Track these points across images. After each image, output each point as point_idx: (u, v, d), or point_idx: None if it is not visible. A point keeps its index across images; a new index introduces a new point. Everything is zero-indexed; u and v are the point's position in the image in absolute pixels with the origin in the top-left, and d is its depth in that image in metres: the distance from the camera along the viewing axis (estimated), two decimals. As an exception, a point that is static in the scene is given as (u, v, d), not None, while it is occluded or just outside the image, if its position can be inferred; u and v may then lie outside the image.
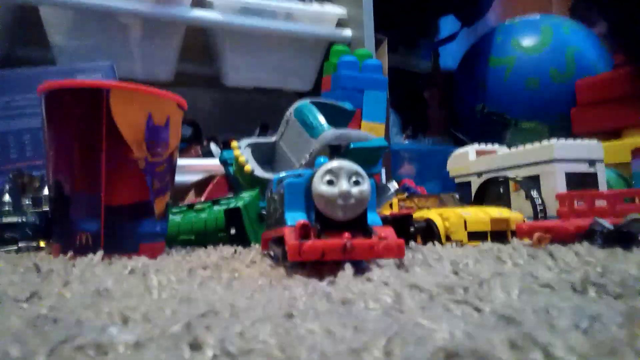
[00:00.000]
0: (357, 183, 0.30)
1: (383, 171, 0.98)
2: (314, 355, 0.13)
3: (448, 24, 1.68)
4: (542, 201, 0.60)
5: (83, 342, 0.15)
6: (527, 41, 1.40)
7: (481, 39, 1.53)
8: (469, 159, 0.80)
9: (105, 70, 0.72)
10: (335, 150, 0.64)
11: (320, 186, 0.30)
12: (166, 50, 1.06)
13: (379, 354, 0.13)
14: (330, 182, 0.30)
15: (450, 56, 1.69)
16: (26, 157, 0.66)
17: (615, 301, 0.21)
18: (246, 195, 0.55)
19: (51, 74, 0.68)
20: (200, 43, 1.16)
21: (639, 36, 1.14)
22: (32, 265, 0.34)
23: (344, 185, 0.30)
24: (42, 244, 0.52)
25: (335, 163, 0.31)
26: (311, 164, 0.63)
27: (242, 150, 0.68)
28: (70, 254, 0.40)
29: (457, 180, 0.83)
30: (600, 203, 0.51)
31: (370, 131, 0.80)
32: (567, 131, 1.29)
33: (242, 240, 0.52)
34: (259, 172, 0.65)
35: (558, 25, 1.42)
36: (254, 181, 0.65)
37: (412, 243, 0.49)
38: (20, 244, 0.51)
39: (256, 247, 0.48)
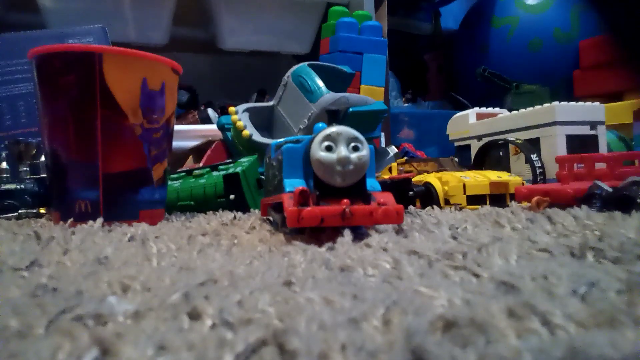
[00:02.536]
0: (356, 149, 0.30)
1: (382, 135, 0.97)
2: (312, 325, 0.13)
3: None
4: (542, 164, 0.59)
5: (82, 312, 0.15)
6: (532, -1, 1.36)
7: (484, -3, 1.49)
8: (469, 122, 0.79)
9: (97, 34, 0.70)
10: (333, 114, 0.63)
11: (318, 152, 0.30)
12: (159, 12, 1.04)
13: (378, 323, 0.13)
14: (328, 148, 0.30)
15: (451, 17, 1.65)
16: (21, 124, 0.65)
17: (613, 266, 0.21)
18: (245, 161, 0.55)
19: (42, 38, 0.66)
20: (195, 5, 1.13)
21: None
22: (32, 233, 0.34)
23: (342, 151, 0.29)
24: (42, 210, 0.52)
25: (333, 129, 0.30)
26: (310, 129, 0.62)
27: (239, 115, 0.68)
28: (70, 221, 0.40)
29: (456, 144, 0.83)
30: (600, 166, 0.51)
31: (370, 95, 0.79)
32: (568, 95, 1.27)
33: (242, 205, 0.52)
34: (257, 137, 0.65)
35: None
36: (252, 146, 0.65)
37: (411, 207, 0.49)
38: (20, 211, 0.51)
39: (255, 213, 0.48)
